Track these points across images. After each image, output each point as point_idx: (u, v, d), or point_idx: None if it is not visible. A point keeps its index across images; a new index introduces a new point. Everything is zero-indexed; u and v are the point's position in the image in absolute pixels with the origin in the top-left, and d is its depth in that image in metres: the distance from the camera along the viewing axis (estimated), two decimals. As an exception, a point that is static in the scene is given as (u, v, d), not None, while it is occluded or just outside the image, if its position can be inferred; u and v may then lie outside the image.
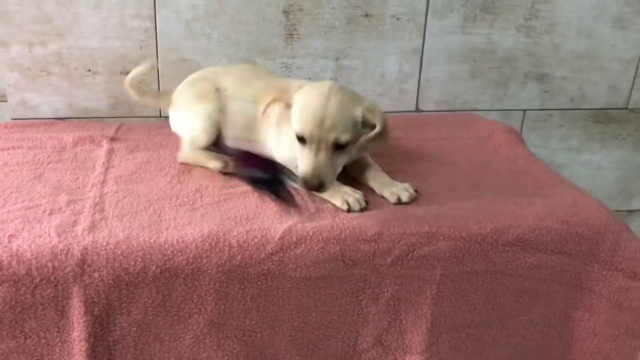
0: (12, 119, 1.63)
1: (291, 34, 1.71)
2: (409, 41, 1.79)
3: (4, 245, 1.01)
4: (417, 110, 1.88)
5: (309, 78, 1.76)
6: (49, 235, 1.04)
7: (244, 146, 1.21)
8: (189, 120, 1.38)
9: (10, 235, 1.04)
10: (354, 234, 1.11)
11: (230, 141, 1.31)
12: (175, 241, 1.06)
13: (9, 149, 1.41)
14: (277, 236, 1.08)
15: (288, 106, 1.21)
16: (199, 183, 1.29)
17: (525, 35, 1.85)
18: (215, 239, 1.07)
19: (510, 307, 1.21)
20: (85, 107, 1.66)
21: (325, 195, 1.21)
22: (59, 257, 1.01)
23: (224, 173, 1.32)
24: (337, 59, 1.76)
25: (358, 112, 1.18)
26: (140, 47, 1.62)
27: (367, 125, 1.20)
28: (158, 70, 1.66)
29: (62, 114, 1.65)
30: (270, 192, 1.10)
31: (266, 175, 1.11)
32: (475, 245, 1.15)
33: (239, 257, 1.07)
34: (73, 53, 1.59)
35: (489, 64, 1.87)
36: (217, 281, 1.06)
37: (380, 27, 1.76)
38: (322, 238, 1.09)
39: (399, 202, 1.23)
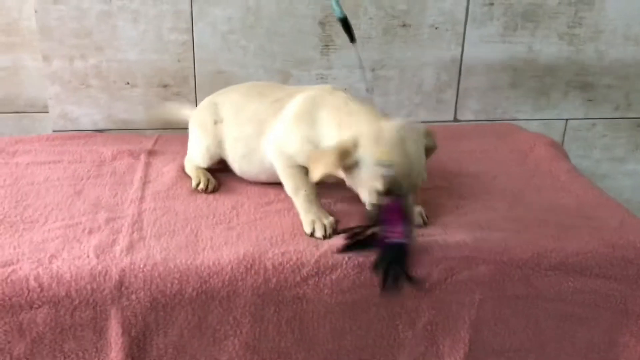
0: (53, 131, 1.66)
1: (327, 45, 1.69)
2: (447, 50, 1.76)
3: (45, 266, 1.03)
4: (455, 120, 1.85)
5: (345, 88, 1.73)
6: (88, 256, 1.06)
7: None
8: (192, 145, 1.42)
9: (51, 256, 1.05)
10: (390, 258, 1.09)
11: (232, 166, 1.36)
12: (211, 263, 1.06)
13: (50, 163, 1.44)
14: (313, 260, 1.07)
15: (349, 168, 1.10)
16: (235, 200, 1.29)
17: (568, 43, 1.79)
18: (250, 261, 1.07)
19: (552, 331, 1.18)
20: (123, 118, 1.68)
21: (300, 211, 1.19)
22: (97, 279, 1.02)
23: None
24: (373, 69, 1.74)
25: (423, 147, 1.13)
26: (178, 60, 1.63)
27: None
28: (195, 82, 1.66)
29: (101, 126, 1.67)
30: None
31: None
32: (516, 270, 1.12)
33: (274, 280, 1.06)
34: (112, 66, 1.61)
35: (530, 73, 1.82)
36: (253, 304, 1.06)
37: (418, 36, 1.73)
38: (357, 263, 1.08)
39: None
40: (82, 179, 1.36)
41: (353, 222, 1.12)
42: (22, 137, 1.58)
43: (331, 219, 1.17)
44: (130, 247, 1.09)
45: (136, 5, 1.56)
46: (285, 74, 1.70)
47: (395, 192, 1.02)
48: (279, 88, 1.38)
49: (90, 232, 1.14)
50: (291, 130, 1.23)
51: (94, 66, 1.61)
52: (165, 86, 1.66)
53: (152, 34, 1.60)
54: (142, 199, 1.28)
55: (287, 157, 1.23)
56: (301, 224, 1.18)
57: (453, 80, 1.80)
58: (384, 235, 1.00)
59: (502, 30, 1.75)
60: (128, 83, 1.64)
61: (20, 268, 1.02)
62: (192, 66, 1.65)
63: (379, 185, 1.03)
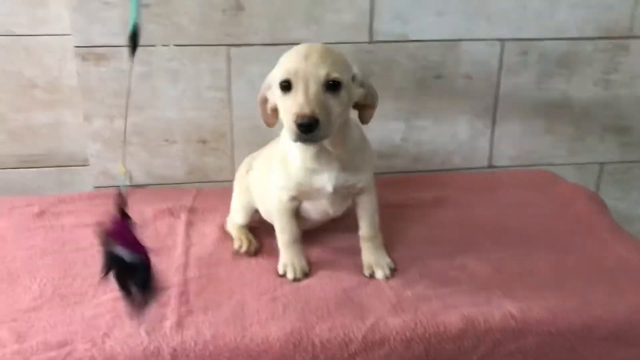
0: (94, 187, 1.69)
1: (362, 97, 1.70)
2: (481, 99, 1.76)
3: (98, 346, 1.04)
4: (490, 166, 1.84)
5: (380, 139, 1.75)
6: (140, 334, 1.07)
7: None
8: (232, 203, 1.46)
9: (103, 335, 1.07)
10: (438, 333, 1.09)
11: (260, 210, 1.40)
12: (260, 340, 1.07)
13: (94, 225, 1.46)
14: (360, 336, 1.08)
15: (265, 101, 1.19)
16: (277, 264, 1.30)
17: (603, 88, 1.78)
18: (298, 337, 1.07)
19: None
20: (162, 174, 1.71)
21: (280, 250, 1.27)
22: (150, 359, 1.03)
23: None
24: (407, 120, 1.75)
25: (353, 65, 1.14)
26: (215, 117, 1.66)
27: (361, 86, 1.16)
28: (232, 137, 1.68)
29: (140, 181, 1.70)
30: (133, 280, 0.94)
31: (134, 258, 0.95)
32: (564, 341, 1.11)
33: (322, 357, 1.06)
34: (151, 124, 1.64)
35: (565, 118, 1.81)
36: (301, 380, 1.07)
37: (451, 86, 1.73)
38: (405, 337, 1.08)
39: (372, 277, 1.25)
40: (126, 244, 1.38)
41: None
42: (65, 197, 1.61)
43: (304, 263, 1.26)
44: (180, 323, 1.10)
45: (175, 65, 1.59)
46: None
47: (292, 81, 1.06)
48: None
49: (139, 305, 1.16)
50: (276, 170, 1.27)
51: (134, 124, 1.64)
52: (203, 142, 1.68)
53: (191, 92, 1.63)
54: (186, 265, 1.30)
55: (276, 197, 1.28)
56: (342, 291, 1.20)
57: (487, 128, 1.79)
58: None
59: (537, 77, 1.75)
60: (167, 140, 1.67)
61: (75, 349, 1.04)
62: (229, 123, 1.67)
63: (278, 75, 1.08)
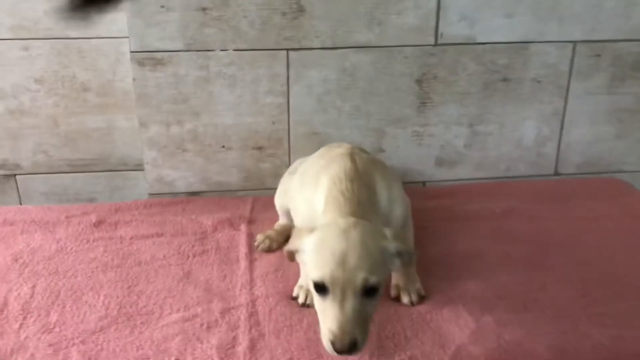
0: (149, 194, 1.65)
1: (424, 102, 1.63)
2: (549, 104, 1.67)
3: (171, 373, 1.01)
4: (556, 173, 1.76)
5: (442, 145, 1.68)
6: (212, 359, 1.03)
7: None
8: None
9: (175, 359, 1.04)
10: (526, 364, 1.03)
11: None
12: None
13: (153, 236, 1.43)
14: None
15: (292, 256, 1.07)
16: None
17: (680, 92, 1.69)
18: (377, 366, 1.03)
19: None
20: (218, 180, 1.66)
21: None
22: (225, 389, 0.99)
23: None
24: (471, 125, 1.67)
25: (390, 245, 1.02)
26: (273, 122, 1.61)
27: (398, 256, 1.04)
28: (289, 143, 1.63)
29: (195, 188, 1.66)
30: None
31: None
32: (659, 374, 1.04)
33: (404, 387, 1.01)
34: (208, 130, 1.60)
35: (638, 124, 1.72)
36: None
37: (518, 90, 1.65)
38: (490, 369, 1.02)
39: (397, 299, 1.19)
40: (188, 257, 1.35)
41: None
42: (120, 205, 1.58)
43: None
44: (252, 348, 1.06)
45: (233, 70, 1.53)
46: (380, 133, 1.65)
47: (328, 286, 0.95)
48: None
49: (208, 327, 1.12)
50: (299, 189, 1.24)
51: (190, 131, 1.59)
52: (259, 148, 1.63)
53: (248, 97, 1.57)
54: (252, 282, 1.25)
55: (296, 215, 1.27)
56: (419, 316, 1.15)
57: (554, 134, 1.71)
58: None
59: (609, 81, 1.66)
60: (223, 146, 1.62)
61: (148, 376, 1.00)
62: (287, 128, 1.62)
63: (312, 274, 0.98)
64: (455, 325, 1.12)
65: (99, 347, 1.06)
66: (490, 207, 1.56)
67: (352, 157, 1.20)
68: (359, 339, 0.93)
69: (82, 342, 1.08)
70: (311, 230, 1.04)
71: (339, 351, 0.92)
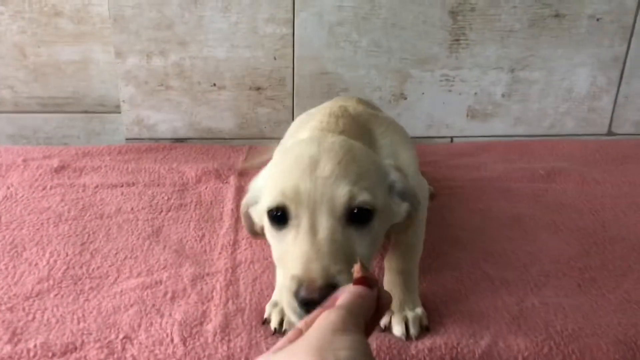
0: (126, 140, 1.41)
1: (457, 40, 1.36)
2: (609, 48, 1.39)
3: (117, 355, 0.77)
4: (610, 133, 1.48)
5: (475, 93, 1.41)
6: (172, 340, 0.79)
7: None
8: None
9: (124, 338, 0.79)
10: (585, 364, 0.78)
11: None
12: None
13: (122, 185, 1.19)
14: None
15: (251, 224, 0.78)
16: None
17: None
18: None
19: None
20: (208, 126, 1.41)
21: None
22: (185, 380, 0.75)
23: None
24: (512, 70, 1.40)
25: (390, 170, 0.72)
26: (274, 58, 1.34)
27: (403, 199, 0.73)
28: (293, 84, 1.37)
29: (181, 134, 1.42)
30: None
31: None
32: None
33: None
34: (196, 64, 1.34)
35: None
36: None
37: (572, 30, 1.37)
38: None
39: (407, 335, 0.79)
40: (161, 211, 1.10)
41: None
42: (91, 148, 1.34)
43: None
44: (225, 326, 0.82)
45: (227, -10, 1.27)
46: (403, 75, 1.38)
47: (290, 211, 0.65)
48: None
49: (173, 297, 0.88)
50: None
51: (176, 64, 1.34)
52: (257, 89, 1.37)
53: (245, 25, 1.31)
54: (234, 244, 1.01)
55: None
56: (443, 294, 0.89)
57: (612, 85, 1.43)
58: None
59: (685, 22, 1.37)
60: (214, 85, 1.36)
61: (85, 358, 0.76)
62: (291, 65, 1.35)
63: (266, 201, 0.67)
64: (491, 308, 0.86)
65: (30, 316, 0.83)
66: (532, 167, 1.29)
67: (352, 106, 0.91)
68: (341, 283, 0.58)
69: (10, 309, 0.84)
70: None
71: (307, 301, 0.58)
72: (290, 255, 0.63)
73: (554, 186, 1.23)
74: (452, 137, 1.46)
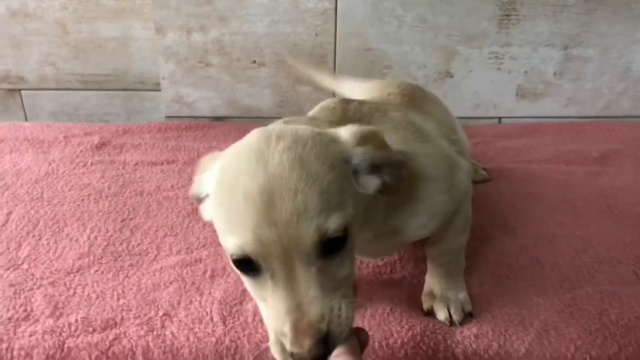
0: (166, 117, 1.40)
1: (508, 15, 1.30)
2: (672, 23, 1.31)
3: (156, 332, 0.76)
4: (669, 116, 1.41)
5: (525, 72, 1.35)
6: (212, 319, 0.78)
7: None
8: None
9: (164, 315, 0.78)
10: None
11: None
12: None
13: (162, 163, 1.18)
14: (523, 349, 0.73)
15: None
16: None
17: None
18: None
19: None
20: (247, 104, 1.39)
21: None
22: (224, 359, 0.74)
23: None
24: (565, 48, 1.33)
25: (351, 150, 0.61)
26: (316, 34, 1.31)
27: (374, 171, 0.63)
28: (335, 61, 1.33)
29: (220, 112, 1.40)
30: None
31: None
32: None
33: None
34: (236, 41, 1.32)
35: None
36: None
37: (632, 4, 1.29)
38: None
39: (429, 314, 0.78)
40: (200, 190, 1.09)
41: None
42: (131, 125, 1.33)
43: None
44: (266, 307, 0.80)
45: (268, -36, 1.24)
46: (449, 52, 1.33)
47: (259, 261, 0.56)
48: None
49: (213, 275, 0.86)
50: None
51: (216, 40, 1.32)
52: (298, 66, 1.34)
53: (286, 1, 1.28)
54: (275, 223, 0.99)
55: None
56: (489, 278, 0.84)
57: (674, 64, 1.35)
58: None
59: None
60: (255, 62, 1.34)
61: (125, 334, 0.76)
62: (333, 41, 1.32)
63: (228, 245, 0.57)
64: (541, 295, 0.82)
65: (71, 291, 0.83)
66: (586, 149, 1.23)
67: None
68: (334, 330, 0.56)
69: (52, 283, 0.84)
70: (216, 156, 0.63)
71: (299, 356, 0.54)
72: (272, 308, 0.57)
73: (608, 169, 1.17)
74: (500, 118, 1.41)
